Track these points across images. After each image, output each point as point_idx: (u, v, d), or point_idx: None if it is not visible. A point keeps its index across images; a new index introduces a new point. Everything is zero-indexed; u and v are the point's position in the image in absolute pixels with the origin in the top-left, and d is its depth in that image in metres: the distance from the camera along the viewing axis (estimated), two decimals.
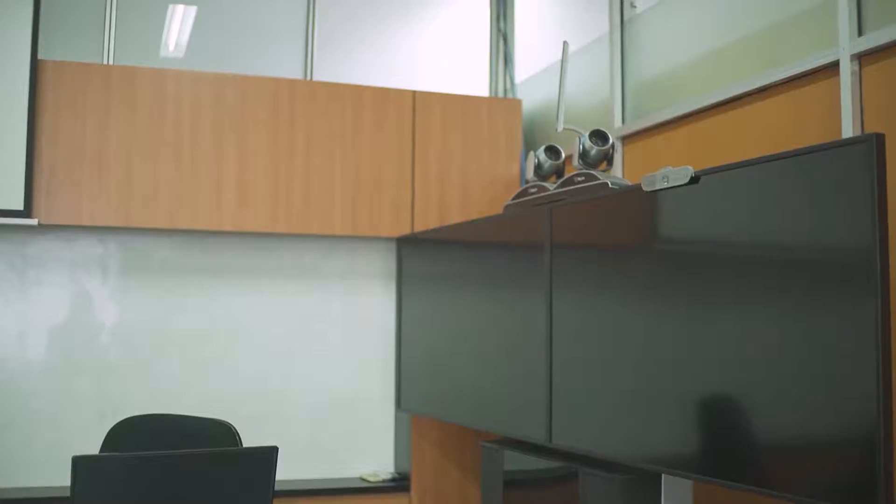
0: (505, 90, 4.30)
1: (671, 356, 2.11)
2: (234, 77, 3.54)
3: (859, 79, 2.31)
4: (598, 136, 2.54)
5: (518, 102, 3.96)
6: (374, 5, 4.19)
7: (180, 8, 3.91)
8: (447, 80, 4.24)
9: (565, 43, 2.66)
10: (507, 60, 4.26)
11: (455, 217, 3.77)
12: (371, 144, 3.68)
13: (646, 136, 3.13)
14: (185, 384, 3.60)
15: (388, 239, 3.86)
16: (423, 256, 3.46)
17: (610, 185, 2.40)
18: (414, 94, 3.78)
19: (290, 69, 3.95)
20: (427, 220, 3.74)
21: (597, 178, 2.45)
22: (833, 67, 2.39)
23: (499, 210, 3.81)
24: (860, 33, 2.33)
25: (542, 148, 2.79)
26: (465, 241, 3.11)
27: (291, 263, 3.77)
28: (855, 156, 1.71)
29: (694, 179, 2.07)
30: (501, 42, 4.30)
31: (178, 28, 3.94)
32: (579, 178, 2.53)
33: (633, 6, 3.35)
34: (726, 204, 2.02)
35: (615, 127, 3.28)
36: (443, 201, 3.78)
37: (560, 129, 2.64)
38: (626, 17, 3.37)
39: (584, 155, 2.54)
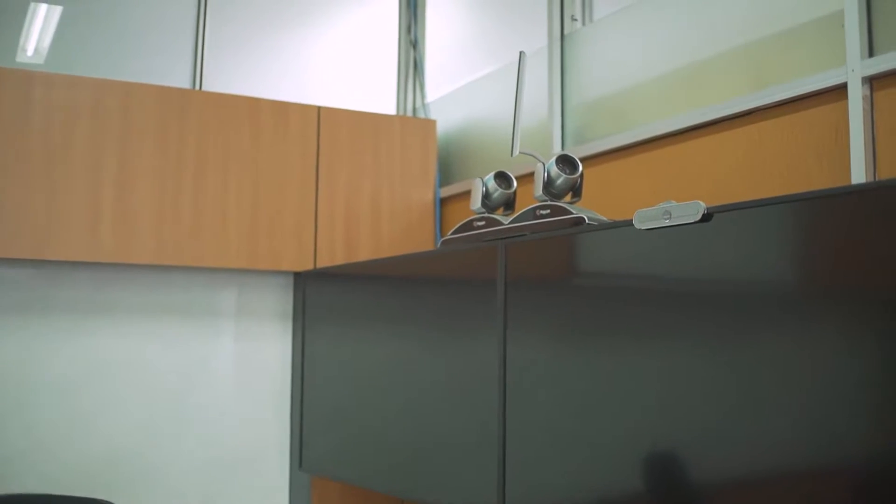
0: (415, 109, 3.91)
1: (658, 413, 1.75)
2: (115, 83, 3.03)
3: (871, 104, 2.02)
4: (566, 162, 2.18)
5: (433, 123, 3.58)
6: (272, 9, 3.74)
7: (43, 7, 3.37)
8: (351, 94, 3.82)
9: (522, 53, 2.29)
10: (418, 70, 3.88)
11: (363, 249, 3.36)
12: (270, 165, 3.23)
13: (592, 164, 2.79)
14: (52, 440, 3.04)
15: (286, 273, 3.41)
16: (335, 294, 3.02)
17: (587, 221, 2.03)
18: (318, 109, 3.35)
19: (176, 77, 3.46)
20: (332, 252, 3.30)
21: (568, 212, 2.08)
22: (834, 91, 2.10)
23: (411, 241, 3.42)
24: (871, 54, 2.05)
25: (492, 174, 2.41)
26: (390, 277, 2.69)
27: (178, 300, 3.26)
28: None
29: (706, 217, 1.72)
30: (412, 53, 3.92)
31: (38, 30, 3.40)
32: (543, 211, 2.15)
33: (573, 19, 3.02)
34: (739, 246, 1.67)
35: (553, 153, 2.93)
36: (350, 231, 3.35)
37: (516, 153, 2.26)
38: (566, 32, 3.03)
39: (548, 184, 2.17)
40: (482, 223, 2.37)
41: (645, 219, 1.83)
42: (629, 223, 1.87)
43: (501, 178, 2.41)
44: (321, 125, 3.34)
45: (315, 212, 3.29)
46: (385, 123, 3.48)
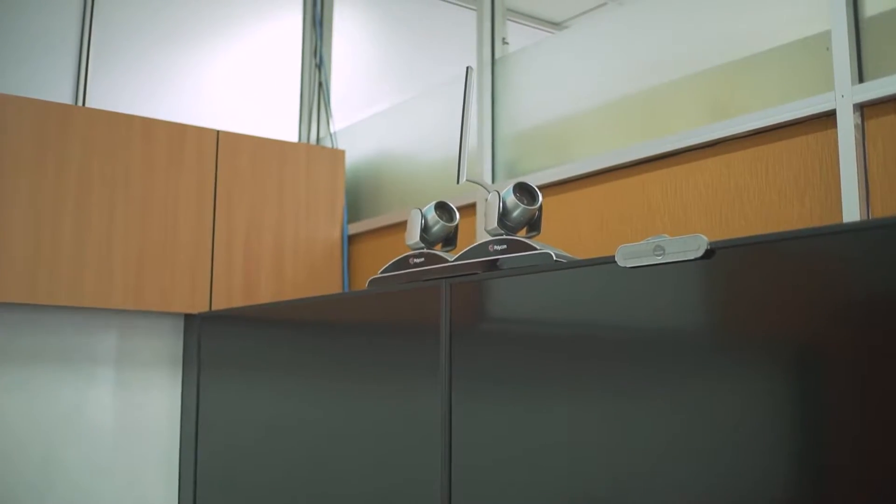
0: (318, 138, 3.60)
1: (635, 475, 1.49)
2: None
3: (863, 133, 1.83)
4: (524, 191, 1.92)
5: (341, 153, 3.28)
6: (167, 24, 3.39)
7: None
8: (252, 119, 3.50)
9: (469, 68, 2.03)
10: (324, 94, 3.58)
11: (264, 289, 3.02)
12: (162, 193, 2.87)
13: None
14: None
15: (175, 315, 3.04)
16: (237, 340, 2.67)
17: (555, 258, 1.77)
18: (218, 133, 3.02)
19: (56, 91, 3.07)
20: (230, 293, 2.96)
21: (530, 247, 1.81)
22: (817, 119, 1.91)
23: (316, 282, 3.11)
24: (861, 79, 1.86)
25: (432, 205, 2.13)
26: (306, 322, 2.37)
27: (50, 344, 2.85)
28: None
29: (708, 254, 1.48)
30: (317, 76, 3.62)
31: None
32: (498, 247, 1.88)
33: (504, 42, 2.79)
34: (745, 288, 1.44)
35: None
36: (249, 269, 3.01)
37: (462, 181, 2.00)
38: (496, 56, 2.79)
39: (504, 215, 1.91)
40: (420, 260, 2.08)
41: (631, 255, 1.58)
42: (611, 260, 1.61)
43: (442, 209, 2.13)
44: (220, 151, 3.01)
45: (212, 247, 2.94)
46: (290, 151, 3.16)
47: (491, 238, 1.91)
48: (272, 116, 3.58)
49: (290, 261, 3.10)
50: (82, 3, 3.17)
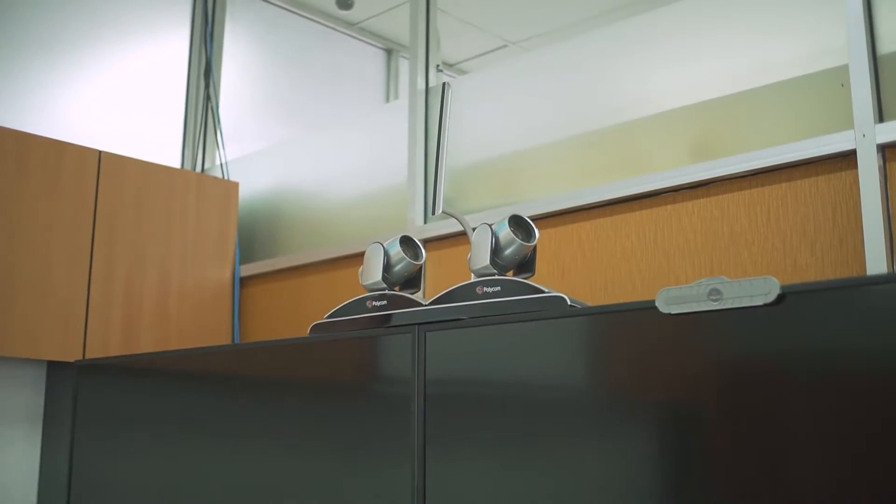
0: (204, 167, 3.25)
1: None
2: None
3: (885, 176, 1.69)
4: (519, 225, 1.67)
5: (235, 185, 2.94)
6: (42, 32, 2.98)
7: None
8: (131, 141, 3.12)
9: (446, 84, 1.78)
10: (213, 111, 3.23)
11: (146, 334, 2.64)
12: (33, 219, 2.46)
13: (463, 241, 2.29)
14: None
15: (36, 363, 2.61)
16: (125, 396, 2.27)
17: (569, 302, 1.53)
18: (100, 154, 2.63)
19: None
20: (106, 338, 2.56)
21: (535, 290, 1.56)
22: (829, 160, 1.76)
23: (202, 328, 2.76)
24: (881, 118, 1.72)
25: (397, 239, 1.84)
26: (226, 375, 2.02)
27: None
28: None
29: (779, 299, 1.28)
30: (204, 93, 3.27)
31: None
32: (490, 289, 1.62)
33: (439, 69, 2.55)
34: (818, 337, 1.24)
35: (416, 226, 2.41)
36: (130, 311, 2.62)
37: (438, 211, 1.73)
38: (430, 84, 2.55)
39: (496, 252, 1.65)
40: (383, 303, 1.79)
41: (678, 300, 1.35)
42: (649, 305, 1.38)
43: (407, 244, 1.84)
44: (102, 175, 2.62)
45: (88, 284, 2.55)
46: (179, 179, 2.80)
47: (479, 279, 1.65)
48: (154, 139, 3.20)
49: (175, 303, 2.72)
50: None
